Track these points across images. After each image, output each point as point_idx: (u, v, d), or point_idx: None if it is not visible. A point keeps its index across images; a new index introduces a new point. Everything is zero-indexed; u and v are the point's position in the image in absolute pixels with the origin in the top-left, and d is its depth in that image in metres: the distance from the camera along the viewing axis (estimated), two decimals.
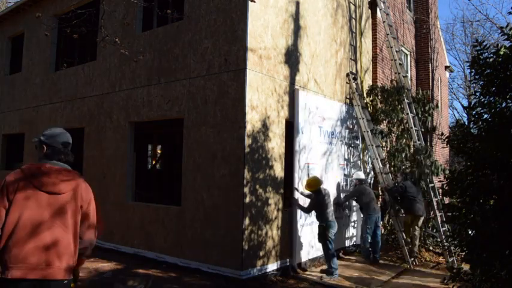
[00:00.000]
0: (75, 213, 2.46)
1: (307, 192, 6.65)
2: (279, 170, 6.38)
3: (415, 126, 8.38)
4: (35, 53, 10.02)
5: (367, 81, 9.31)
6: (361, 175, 7.81)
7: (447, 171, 7.75)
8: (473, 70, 3.26)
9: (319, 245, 7.14)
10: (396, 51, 8.81)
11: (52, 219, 2.38)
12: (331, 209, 6.54)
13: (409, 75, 11.05)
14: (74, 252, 2.46)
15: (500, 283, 2.72)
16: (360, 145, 8.75)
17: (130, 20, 7.43)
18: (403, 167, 8.06)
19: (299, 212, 6.72)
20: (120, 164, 7.53)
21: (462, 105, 25.23)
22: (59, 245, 2.37)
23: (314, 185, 6.49)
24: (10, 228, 2.32)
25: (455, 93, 26.53)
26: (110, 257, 6.87)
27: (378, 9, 9.33)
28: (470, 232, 3.15)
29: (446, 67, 14.50)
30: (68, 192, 2.45)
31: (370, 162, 8.75)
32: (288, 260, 6.52)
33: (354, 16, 8.92)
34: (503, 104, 3.07)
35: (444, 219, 7.51)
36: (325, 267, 6.78)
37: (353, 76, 8.60)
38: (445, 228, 7.56)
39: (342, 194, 7.95)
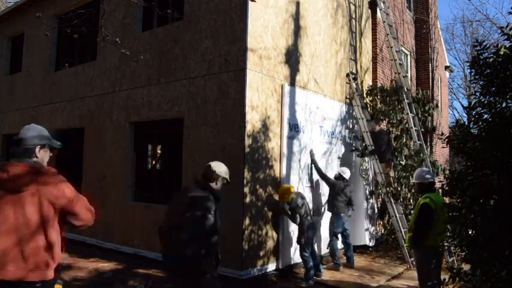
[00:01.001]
0: (41, 211, 2.30)
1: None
2: (279, 170, 6.38)
3: (415, 126, 8.38)
4: (35, 53, 10.02)
5: (367, 81, 9.31)
6: (345, 172, 7.14)
7: (447, 171, 7.76)
8: (473, 70, 3.25)
9: (320, 245, 7.14)
10: (396, 51, 8.81)
11: (15, 218, 2.27)
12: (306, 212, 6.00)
13: (409, 75, 11.05)
14: (45, 252, 2.32)
15: (501, 283, 2.72)
16: (360, 145, 8.75)
17: (131, 20, 7.44)
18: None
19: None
20: (120, 164, 7.53)
21: (462, 105, 25.26)
22: (24, 245, 2.26)
23: (286, 196, 5.94)
24: None
25: (455, 93, 26.55)
26: (110, 257, 6.87)
27: (378, 9, 9.33)
28: (470, 232, 3.16)
29: (446, 67, 14.50)
30: (30, 189, 2.29)
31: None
32: (288, 259, 6.51)
33: (354, 16, 8.92)
34: (504, 104, 3.07)
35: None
36: (325, 267, 6.76)
37: (353, 76, 8.59)
38: None
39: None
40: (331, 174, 7.70)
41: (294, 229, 6.61)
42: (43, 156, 2.50)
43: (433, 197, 4.38)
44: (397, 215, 7.65)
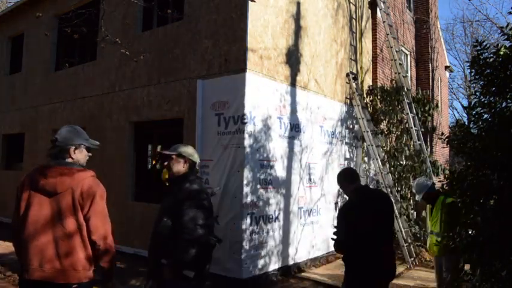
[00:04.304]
0: (76, 213, 2.32)
1: None
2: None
3: (415, 126, 8.39)
4: (35, 53, 10.02)
5: (367, 81, 9.31)
6: None
7: (447, 171, 7.77)
8: (473, 70, 3.25)
9: (320, 245, 7.14)
10: (396, 51, 8.81)
11: (52, 219, 2.30)
12: None
13: (409, 75, 11.05)
14: (82, 254, 2.33)
15: (501, 283, 2.71)
16: (360, 145, 8.75)
17: (131, 20, 7.44)
18: None
19: (300, 211, 6.72)
20: (120, 164, 7.53)
21: (462, 105, 25.28)
22: (60, 246, 2.28)
23: None
24: (19, 228, 2.33)
25: (455, 93, 26.59)
26: None
27: (378, 10, 9.33)
28: (470, 232, 3.15)
29: (446, 67, 14.50)
30: (65, 191, 2.31)
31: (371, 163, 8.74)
32: (289, 259, 6.51)
33: (354, 16, 8.92)
34: (503, 104, 3.07)
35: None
36: (325, 267, 6.76)
37: (353, 76, 8.60)
38: None
39: None
40: (331, 175, 7.69)
41: (303, 225, 6.63)
42: (79, 156, 2.50)
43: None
44: (397, 215, 7.65)
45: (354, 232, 3.19)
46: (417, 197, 4.81)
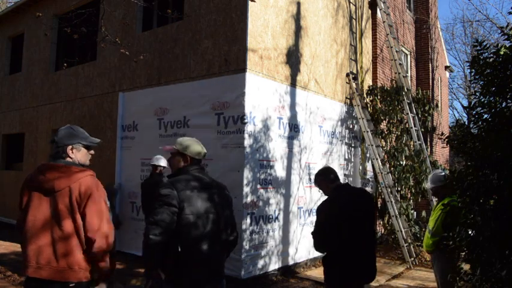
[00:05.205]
0: (74, 214, 2.30)
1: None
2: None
3: (415, 126, 8.39)
4: (35, 53, 10.03)
5: (367, 81, 9.31)
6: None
7: (447, 171, 7.76)
8: (473, 70, 3.24)
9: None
10: (396, 51, 8.82)
11: (50, 220, 2.30)
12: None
13: (409, 75, 11.05)
14: (79, 254, 2.31)
15: (500, 283, 2.71)
16: (360, 145, 8.75)
17: (130, 20, 7.44)
18: None
19: (300, 211, 6.72)
20: None
21: (462, 105, 25.26)
22: (58, 245, 2.28)
23: None
24: (23, 227, 2.35)
25: (455, 93, 26.56)
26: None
27: (378, 10, 9.34)
28: (470, 232, 3.15)
29: (446, 67, 14.49)
30: (63, 190, 2.30)
31: (370, 162, 8.74)
32: (289, 259, 6.51)
33: (354, 16, 8.92)
34: (503, 104, 3.06)
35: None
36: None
37: (353, 76, 8.60)
38: None
39: None
40: None
41: (303, 225, 6.62)
42: (78, 156, 2.49)
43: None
44: (397, 215, 7.65)
45: (336, 232, 3.12)
46: (428, 185, 4.74)
